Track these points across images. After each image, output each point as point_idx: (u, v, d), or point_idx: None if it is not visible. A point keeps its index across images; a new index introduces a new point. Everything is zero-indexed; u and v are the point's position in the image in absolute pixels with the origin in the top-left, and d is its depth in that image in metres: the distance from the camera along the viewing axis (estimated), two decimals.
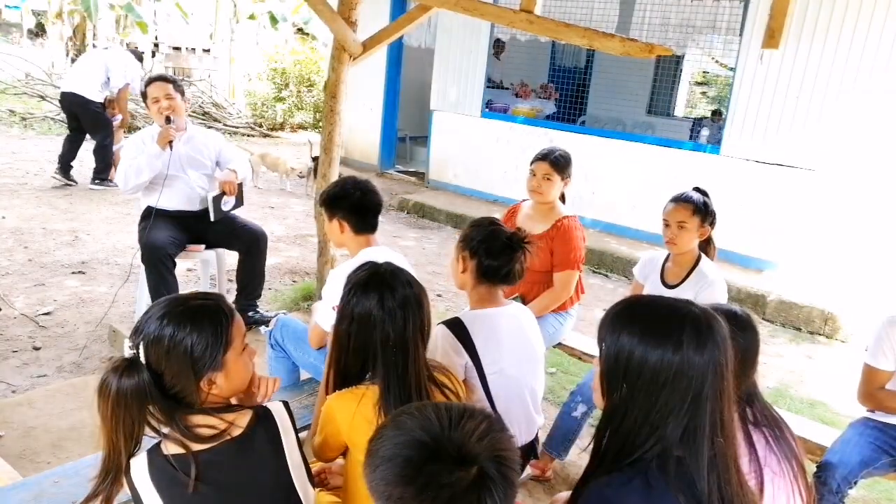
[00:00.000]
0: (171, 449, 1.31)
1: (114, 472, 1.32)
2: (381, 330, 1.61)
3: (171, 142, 3.45)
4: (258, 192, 7.35)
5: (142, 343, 1.33)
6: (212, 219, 3.59)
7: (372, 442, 1.03)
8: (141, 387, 1.30)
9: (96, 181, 6.84)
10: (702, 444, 1.15)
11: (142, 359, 1.33)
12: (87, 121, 6.85)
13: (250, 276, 3.77)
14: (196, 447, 1.31)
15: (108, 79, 6.75)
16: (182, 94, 3.60)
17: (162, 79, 3.61)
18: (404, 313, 1.63)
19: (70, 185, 6.78)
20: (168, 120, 3.47)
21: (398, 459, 0.96)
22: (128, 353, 1.35)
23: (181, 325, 1.33)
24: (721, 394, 1.17)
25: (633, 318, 1.23)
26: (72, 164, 6.88)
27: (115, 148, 6.92)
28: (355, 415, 1.53)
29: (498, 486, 0.96)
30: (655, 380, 1.17)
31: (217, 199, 3.59)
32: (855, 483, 2.23)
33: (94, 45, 13.18)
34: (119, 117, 7.09)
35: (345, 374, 1.68)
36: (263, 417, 1.41)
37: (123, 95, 6.93)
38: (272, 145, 10.73)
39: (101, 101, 6.78)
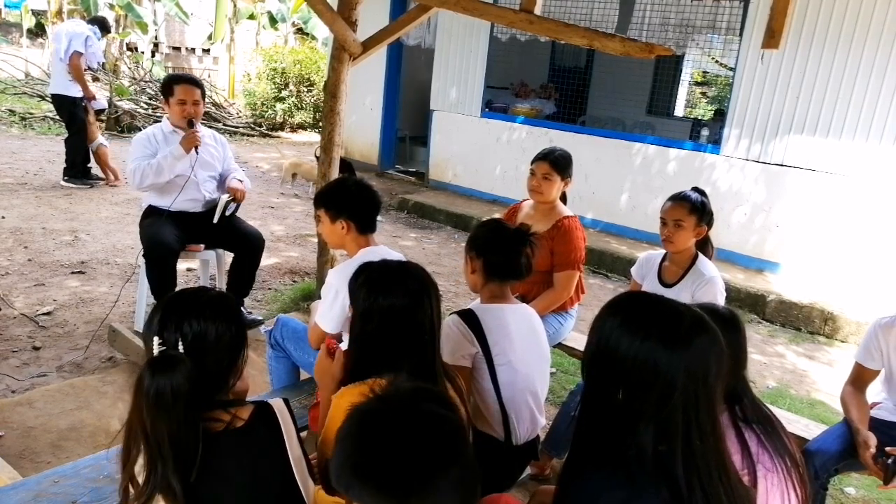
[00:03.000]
0: None
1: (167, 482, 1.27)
2: (411, 320, 1.60)
3: (196, 146, 3.44)
4: (259, 192, 7.35)
5: (179, 339, 1.33)
6: (214, 221, 3.59)
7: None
8: (194, 376, 1.28)
9: (65, 178, 6.79)
10: (676, 446, 1.15)
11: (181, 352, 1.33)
12: (62, 117, 6.88)
13: (241, 278, 3.77)
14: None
15: (61, 59, 6.44)
16: (204, 99, 3.60)
17: (192, 82, 3.56)
18: (430, 299, 1.64)
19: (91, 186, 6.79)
20: (191, 123, 3.46)
21: (348, 438, 0.98)
22: (157, 350, 1.33)
23: (220, 318, 1.37)
24: (698, 401, 1.16)
25: (620, 308, 1.26)
26: (87, 165, 6.88)
27: (92, 146, 6.79)
28: None
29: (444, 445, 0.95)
30: (621, 366, 1.18)
31: (227, 205, 3.61)
32: (836, 471, 2.31)
33: None
34: (100, 102, 6.86)
35: (364, 375, 1.62)
36: (264, 411, 1.43)
37: (74, 64, 6.41)
38: (270, 145, 10.74)
39: (74, 94, 6.51)
